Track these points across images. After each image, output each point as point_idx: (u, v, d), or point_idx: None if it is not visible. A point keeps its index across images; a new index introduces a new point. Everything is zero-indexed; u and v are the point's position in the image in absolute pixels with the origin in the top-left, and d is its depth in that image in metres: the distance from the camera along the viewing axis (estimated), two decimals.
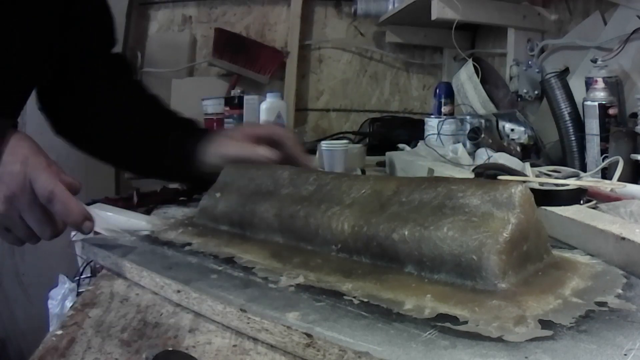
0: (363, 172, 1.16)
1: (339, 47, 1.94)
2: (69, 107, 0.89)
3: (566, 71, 1.18)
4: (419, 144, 1.20)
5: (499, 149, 1.09)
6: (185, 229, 0.66)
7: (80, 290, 1.02)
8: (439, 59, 1.95)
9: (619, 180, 0.74)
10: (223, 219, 0.66)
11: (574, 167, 0.97)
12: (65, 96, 0.88)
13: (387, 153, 1.22)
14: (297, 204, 0.58)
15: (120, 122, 0.88)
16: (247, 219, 0.62)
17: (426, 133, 1.29)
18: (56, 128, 0.92)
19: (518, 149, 1.13)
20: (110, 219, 0.68)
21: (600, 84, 0.93)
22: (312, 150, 1.50)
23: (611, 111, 0.91)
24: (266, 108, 1.62)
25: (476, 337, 0.35)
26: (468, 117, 1.24)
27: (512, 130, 1.17)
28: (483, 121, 1.20)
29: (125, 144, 0.86)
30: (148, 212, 0.85)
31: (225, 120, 1.59)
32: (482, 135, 1.16)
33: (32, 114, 0.97)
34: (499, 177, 0.74)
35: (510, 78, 1.30)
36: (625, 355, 0.32)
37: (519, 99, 1.29)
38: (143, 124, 0.87)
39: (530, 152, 1.15)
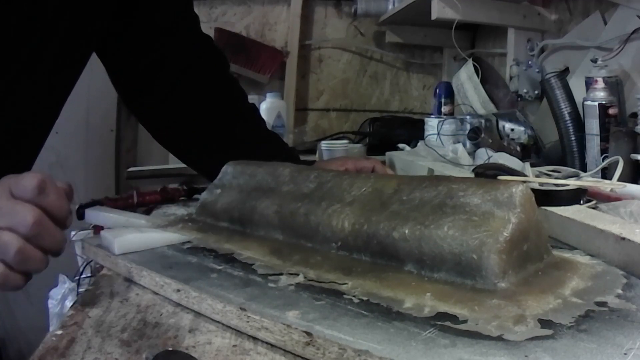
0: None
1: (339, 47, 1.94)
2: (159, 104, 0.86)
3: (566, 71, 1.18)
4: (419, 144, 1.20)
5: (499, 149, 1.09)
6: (185, 224, 0.66)
7: (80, 290, 1.02)
8: (439, 59, 1.95)
9: (619, 180, 0.74)
10: (223, 216, 0.66)
11: (574, 167, 0.97)
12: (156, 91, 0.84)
13: (387, 153, 1.22)
14: (298, 201, 0.58)
15: (221, 142, 0.86)
16: (248, 215, 0.62)
17: (426, 133, 1.29)
18: (140, 117, 0.91)
19: (518, 149, 1.13)
20: (110, 220, 0.68)
21: (600, 83, 0.93)
22: (312, 150, 1.50)
23: (611, 111, 0.91)
24: (266, 108, 1.63)
25: (476, 335, 0.35)
26: (468, 117, 1.24)
27: (512, 130, 1.17)
28: (483, 121, 1.20)
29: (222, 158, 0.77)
30: (148, 212, 0.85)
31: None
32: (482, 135, 1.16)
33: None
34: (499, 177, 0.74)
35: (510, 78, 1.30)
36: (625, 354, 0.32)
37: (519, 99, 1.29)
38: (247, 145, 0.86)
39: (530, 152, 1.15)
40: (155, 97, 0.85)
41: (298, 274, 0.47)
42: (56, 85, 0.70)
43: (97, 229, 0.85)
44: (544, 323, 0.36)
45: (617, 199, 0.68)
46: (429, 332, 0.35)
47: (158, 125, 0.89)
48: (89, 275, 1.00)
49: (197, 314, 0.44)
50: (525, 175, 0.80)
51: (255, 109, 0.94)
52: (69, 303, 1.14)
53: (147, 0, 0.79)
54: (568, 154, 1.03)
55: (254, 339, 0.40)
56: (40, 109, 0.69)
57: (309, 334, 0.36)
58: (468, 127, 1.20)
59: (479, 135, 1.16)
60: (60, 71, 0.69)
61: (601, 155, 0.92)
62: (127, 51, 0.81)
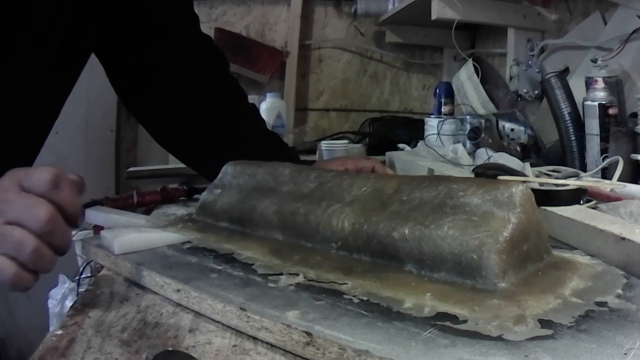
0: None
1: (339, 47, 1.94)
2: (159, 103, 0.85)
3: (566, 71, 1.18)
4: (419, 144, 1.20)
5: (499, 149, 1.09)
6: (185, 224, 0.66)
7: (80, 290, 1.02)
8: (439, 59, 1.95)
9: (619, 180, 0.74)
10: (223, 216, 0.66)
11: (574, 167, 0.97)
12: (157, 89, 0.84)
13: (387, 153, 1.22)
14: (298, 201, 0.58)
15: (223, 144, 0.86)
16: (247, 215, 0.62)
17: (426, 133, 1.29)
18: (139, 117, 0.91)
19: (518, 149, 1.13)
20: (110, 220, 0.68)
21: (600, 83, 0.93)
22: (312, 150, 1.50)
23: (611, 111, 0.91)
24: (266, 108, 1.63)
25: (476, 335, 0.35)
26: (468, 117, 1.24)
27: (512, 130, 1.17)
28: (483, 121, 1.20)
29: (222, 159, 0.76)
30: (148, 212, 0.85)
31: None
32: (482, 135, 1.16)
33: None
34: (499, 177, 0.74)
35: (510, 78, 1.30)
36: (625, 354, 0.32)
37: (519, 99, 1.29)
38: (247, 146, 0.86)
39: (530, 152, 1.15)
40: (154, 98, 0.84)
41: (298, 274, 0.47)
42: (55, 85, 0.70)
43: (97, 229, 0.85)
44: (544, 323, 0.36)
45: (617, 199, 0.68)
46: (429, 332, 0.35)
47: (157, 125, 0.89)
48: (89, 275, 1.00)
49: (197, 314, 0.44)
50: (525, 175, 0.80)
51: (255, 109, 0.94)
52: (69, 303, 1.14)
53: (147, 0, 0.79)
54: (568, 154, 1.03)
55: (254, 339, 0.40)
56: (40, 109, 0.69)
57: (309, 334, 0.36)
58: (468, 127, 1.20)
59: (479, 135, 1.16)
60: (59, 71, 0.68)
61: (601, 155, 0.92)
62: (127, 51, 0.81)
